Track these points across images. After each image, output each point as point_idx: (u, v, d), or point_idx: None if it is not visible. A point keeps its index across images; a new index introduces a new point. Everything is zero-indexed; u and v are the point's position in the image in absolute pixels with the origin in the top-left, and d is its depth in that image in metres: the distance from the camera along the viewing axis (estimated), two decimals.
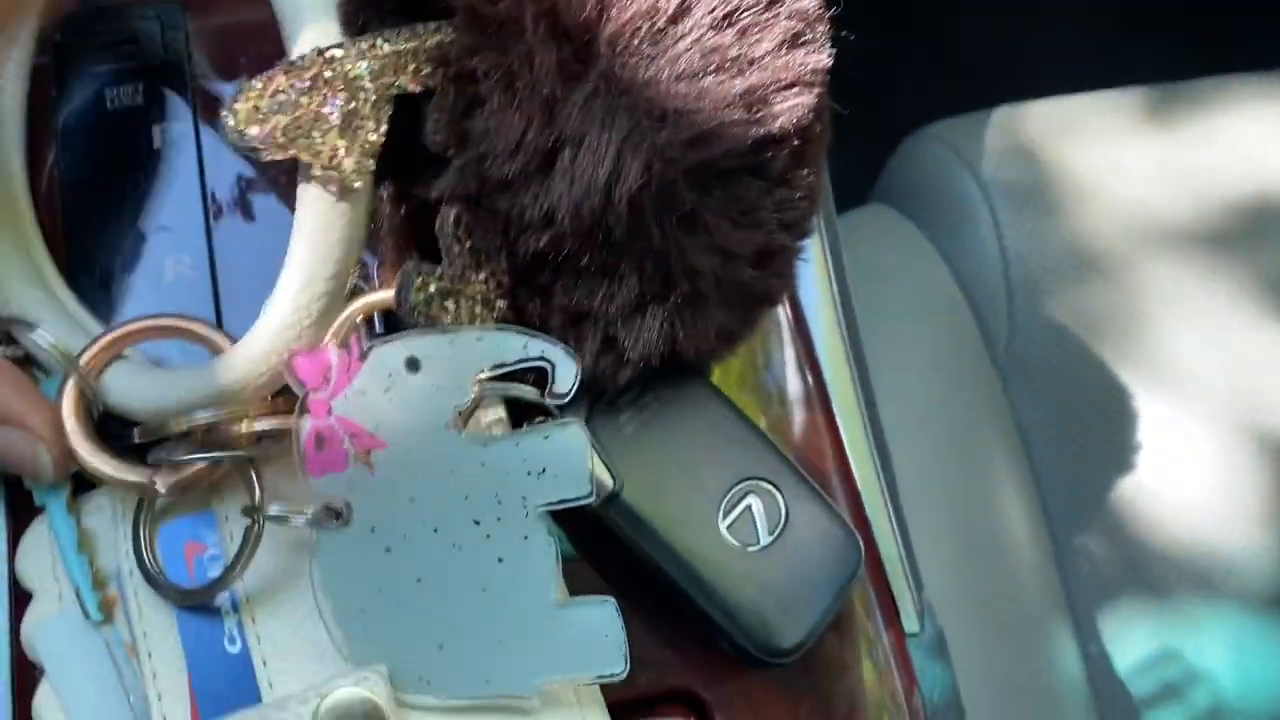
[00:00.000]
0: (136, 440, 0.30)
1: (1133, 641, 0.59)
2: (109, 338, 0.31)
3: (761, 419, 0.37)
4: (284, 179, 0.37)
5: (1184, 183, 0.66)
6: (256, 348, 0.30)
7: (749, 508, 0.32)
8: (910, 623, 0.36)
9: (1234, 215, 0.65)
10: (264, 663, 0.30)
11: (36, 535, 0.31)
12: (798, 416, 0.38)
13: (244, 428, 0.30)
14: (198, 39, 0.39)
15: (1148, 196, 0.65)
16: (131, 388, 0.31)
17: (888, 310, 0.63)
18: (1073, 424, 0.62)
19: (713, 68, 0.28)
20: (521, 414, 0.32)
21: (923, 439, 0.60)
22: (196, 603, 0.30)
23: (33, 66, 0.36)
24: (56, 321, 0.32)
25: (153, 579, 0.30)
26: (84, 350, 0.31)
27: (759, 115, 0.28)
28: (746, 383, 0.38)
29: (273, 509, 0.30)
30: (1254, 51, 0.77)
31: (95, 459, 0.30)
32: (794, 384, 0.38)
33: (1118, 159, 0.66)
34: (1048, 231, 0.64)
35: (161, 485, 0.30)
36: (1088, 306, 0.63)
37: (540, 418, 0.32)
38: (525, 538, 0.30)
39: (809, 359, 0.38)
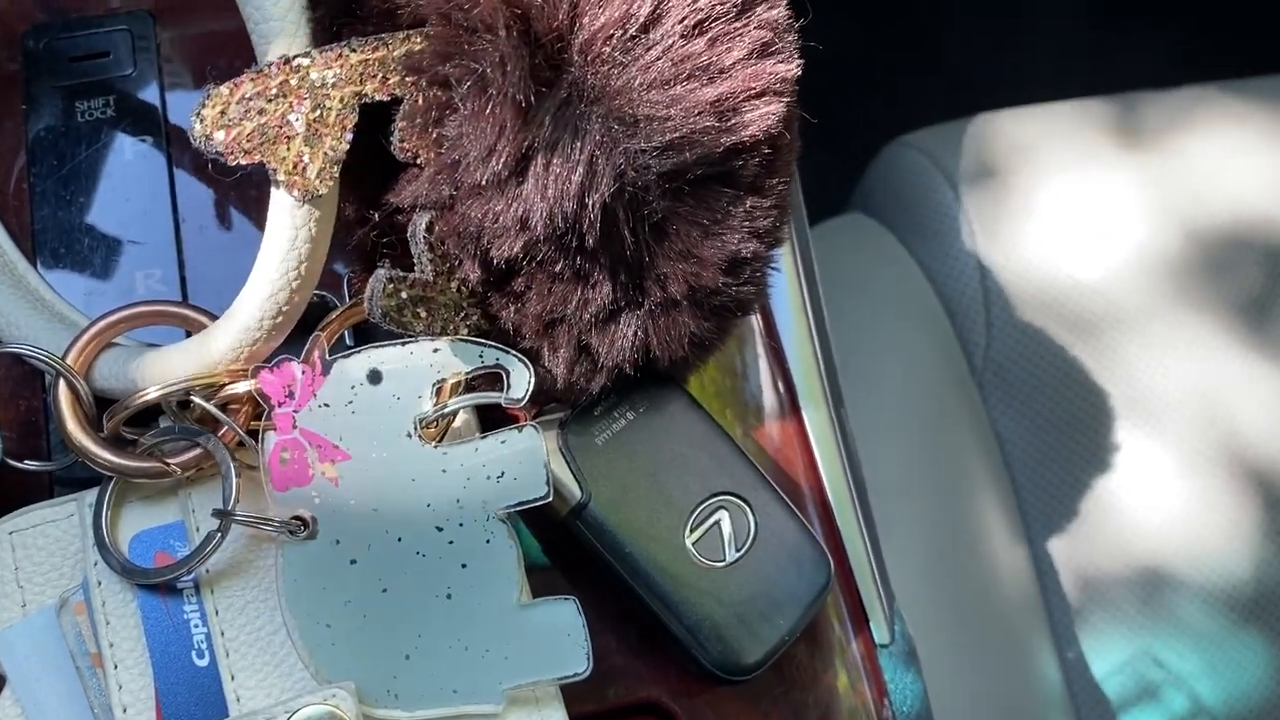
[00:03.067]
0: (106, 423, 0.31)
1: (1110, 646, 0.59)
2: (88, 335, 0.32)
3: (737, 429, 0.37)
4: (254, 192, 0.37)
5: (1157, 194, 0.66)
6: (222, 343, 0.30)
7: (717, 523, 0.32)
8: (880, 633, 0.36)
9: (1203, 232, 0.65)
10: (232, 676, 0.30)
11: None
12: (771, 428, 0.38)
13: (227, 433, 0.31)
14: (169, 49, 0.39)
15: (1121, 208, 0.66)
16: (110, 372, 0.31)
17: (866, 318, 0.64)
18: (1049, 431, 0.62)
19: (684, 76, 0.28)
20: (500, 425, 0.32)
21: (902, 446, 0.60)
22: (155, 582, 0.30)
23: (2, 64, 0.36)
24: (35, 318, 0.33)
25: (113, 561, 0.30)
26: (68, 350, 0.31)
27: (730, 123, 0.28)
28: (723, 393, 0.38)
29: (241, 514, 0.30)
30: (1241, 55, 0.78)
31: (100, 450, 0.31)
32: (767, 395, 0.38)
33: (1093, 169, 0.67)
34: (1024, 240, 0.65)
35: (176, 466, 0.31)
36: (1064, 314, 0.64)
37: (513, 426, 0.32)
38: (487, 541, 0.30)
39: (781, 370, 0.38)
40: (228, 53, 0.39)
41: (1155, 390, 0.62)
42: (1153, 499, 0.61)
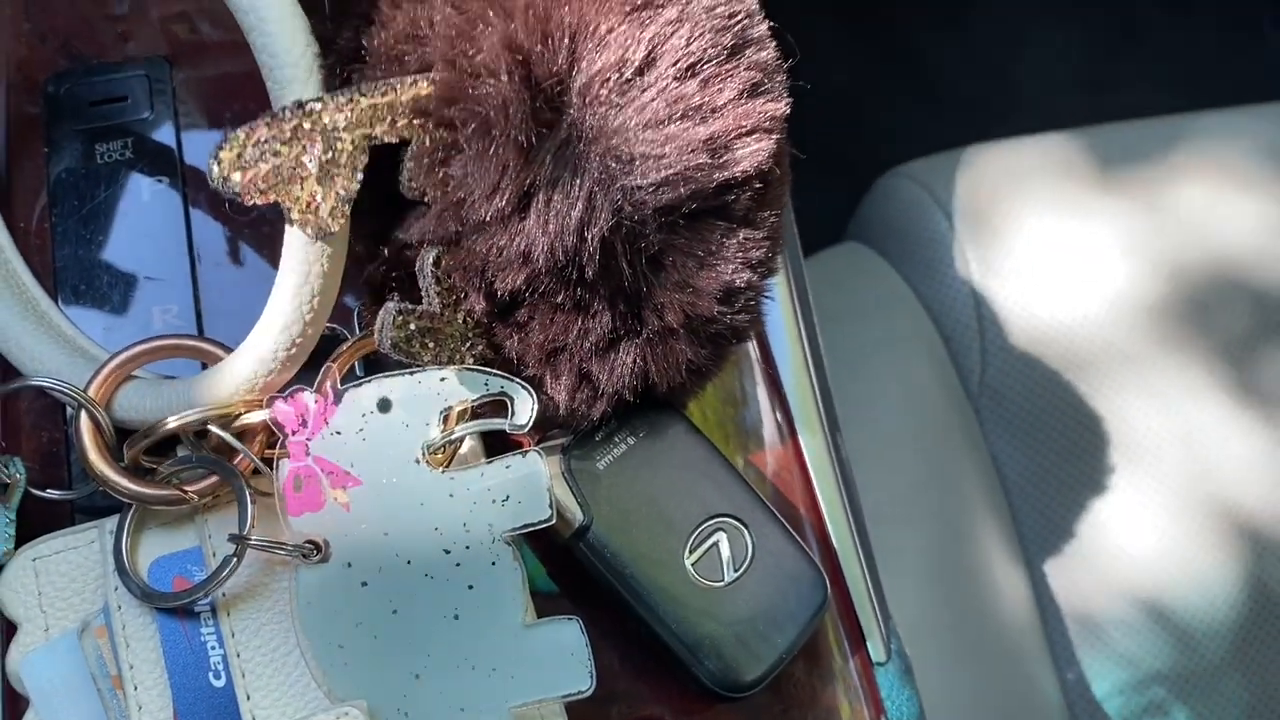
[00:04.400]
0: (125, 452, 0.32)
1: (1110, 667, 0.60)
2: (108, 368, 0.33)
3: (735, 453, 0.38)
4: (266, 229, 0.38)
5: (1148, 225, 0.67)
6: (238, 375, 0.32)
7: (715, 545, 0.33)
8: (877, 651, 0.36)
9: (1191, 267, 0.67)
10: (248, 696, 0.31)
11: (20, 566, 0.32)
12: (768, 452, 0.39)
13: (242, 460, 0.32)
14: (184, 93, 0.41)
15: (1112, 238, 0.67)
16: (130, 404, 0.33)
17: (864, 345, 0.65)
18: (1045, 455, 0.63)
19: (677, 116, 0.29)
20: (505, 450, 0.33)
21: (900, 468, 0.61)
22: (174, 605, 0.31)
23: (21, 106, 0.37)
24: (57, 352, 0.34)
25: (133, 586, 0.31)
26: (89, 383, 0.33)
27: (722, 160, 0.30)
28: (721, 419, 0.39)
29: (255, 539, 0.31)
30: (1238, 86, 0.79)
31: (120, 479, 0.32)
32: (765, 421, 0.39)
33: (1086, 199, 0.68)
34: (1017, 268, 0.66)
35: (193, 493, 0.32)
36: (1057, 342, 0.65)
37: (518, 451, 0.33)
38: (493, 563, 0.31)
39: (777, 395, 0.39)
40: (241, 96, 0.41)
41: (1141, 423, 0.63)
42: (1143, 527, 0.62)
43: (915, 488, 0.61)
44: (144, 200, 0.39)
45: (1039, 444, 0.63)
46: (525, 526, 0.31)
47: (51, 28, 0.41)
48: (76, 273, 0.38)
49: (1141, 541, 0.62)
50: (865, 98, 1.10)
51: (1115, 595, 0.61)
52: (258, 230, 0.38)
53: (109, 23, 0.42)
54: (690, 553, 0.33)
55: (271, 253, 0.38)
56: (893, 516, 0.58)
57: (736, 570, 0.33)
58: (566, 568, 0.34)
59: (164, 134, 0.40)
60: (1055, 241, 0.67)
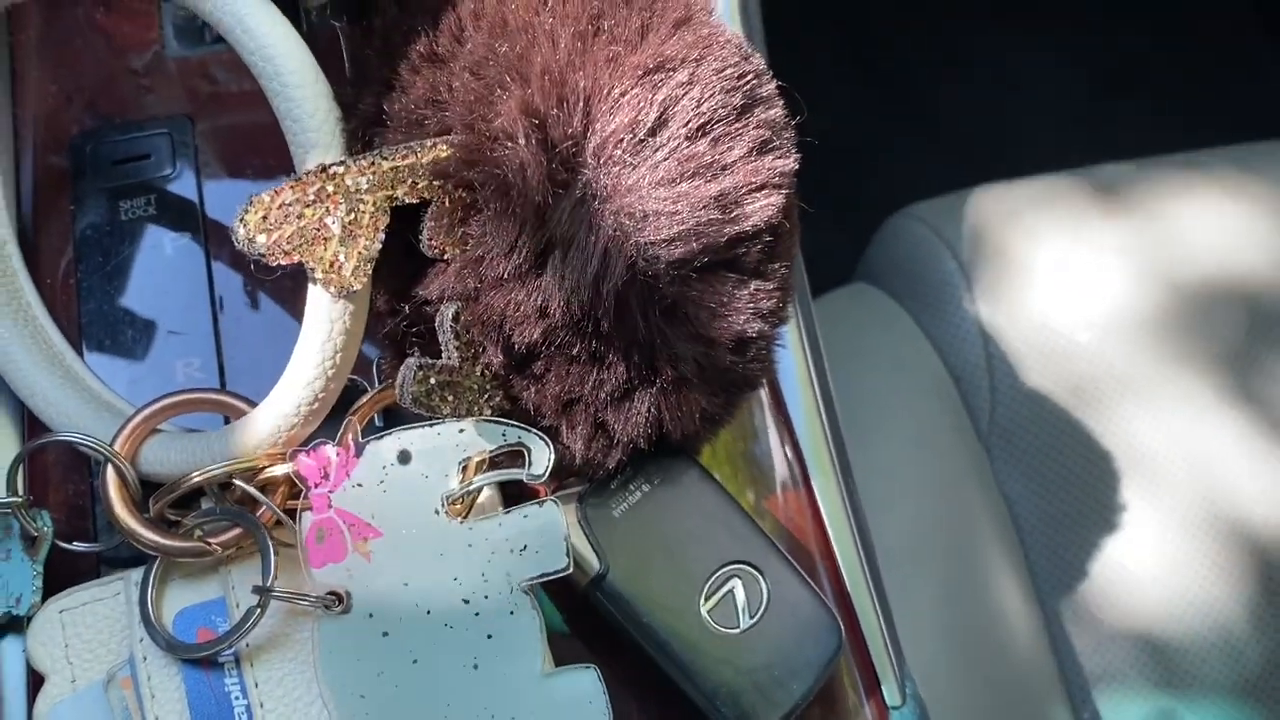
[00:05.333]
0: (151, 506, 0.33)
1: (1126, 707, 0.60)
2: (134, 422, 0.34)
3: (749, 499, 0.39)
4: (288, 283, 0.39)
5: (1153, 261, 0.68)
6: (261, 429, 0.32)
7: (731, 591, 0.34)
8: (892, 695, 0.37)
9: (1195, 298, 0.67)
10: None
11: (47, 618, 0.33)
12: (781, 497, 0.39)
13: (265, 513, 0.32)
14: (206, 150, 0.42)
15: (1116, 275, 0.67)
16: (155, 457, 0.33)
17: (874, 385, 0.65)
18: (1057, 493, 0.63)
19: (689, 174, 0.30)
20: (522, 499, 0.34)
21: (912, 509, 0.61)
22: (198, 657, 0.32)
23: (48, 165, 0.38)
24: (83, 407, 0.35)
25: (158, 637, 0.32)
26: (115, 437, 0.33)
27: (732, 215, 0.31)
28: (735, 463, 0.39)
29: (279, 590, 0.31)
30: (1238, 125, 0.80)
31: (146, 532, 0.33)
32: (777, 465, 0.40)
33: (1089, 237, 0.69)
34: (1024, 306, 0.66)
35: (216, 545, 0.32)
36: (1065, 378, 0.65)
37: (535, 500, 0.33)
38: (511, 612, 0.31)
39: (790, 440, 0.40)
40: (261, 152, 0.42)
41: (1152, 453, 0.64)
42: (1157, 560, 0.62)
43: (928, 530, 0.61)
44: (167, 255, 0.40)
45: (1050, 482, 0.64)
46: (543, 575, 0.32)
47: (77, 88, 0.43)
48: (101, 327, 0.38)
49: (1155, 578, 0.62)
50: (869, 138, 1.11)
51: (1130, 633, 0.61)
52: (279, 284, 0.39)
53: (132, 77, 0.43)
54: (706, 600, 0.34)
55: (293, 305, 0.39)
56: (906, 559, 0.58)
57: (752, 617, 0.34)
58: (583, 615, 0.35)
59: (186, 190, 0.41)
60: (1062, 279, 0.67)
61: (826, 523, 0.39)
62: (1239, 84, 1.19)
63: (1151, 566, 0.62)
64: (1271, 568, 0.62)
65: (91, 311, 0.39)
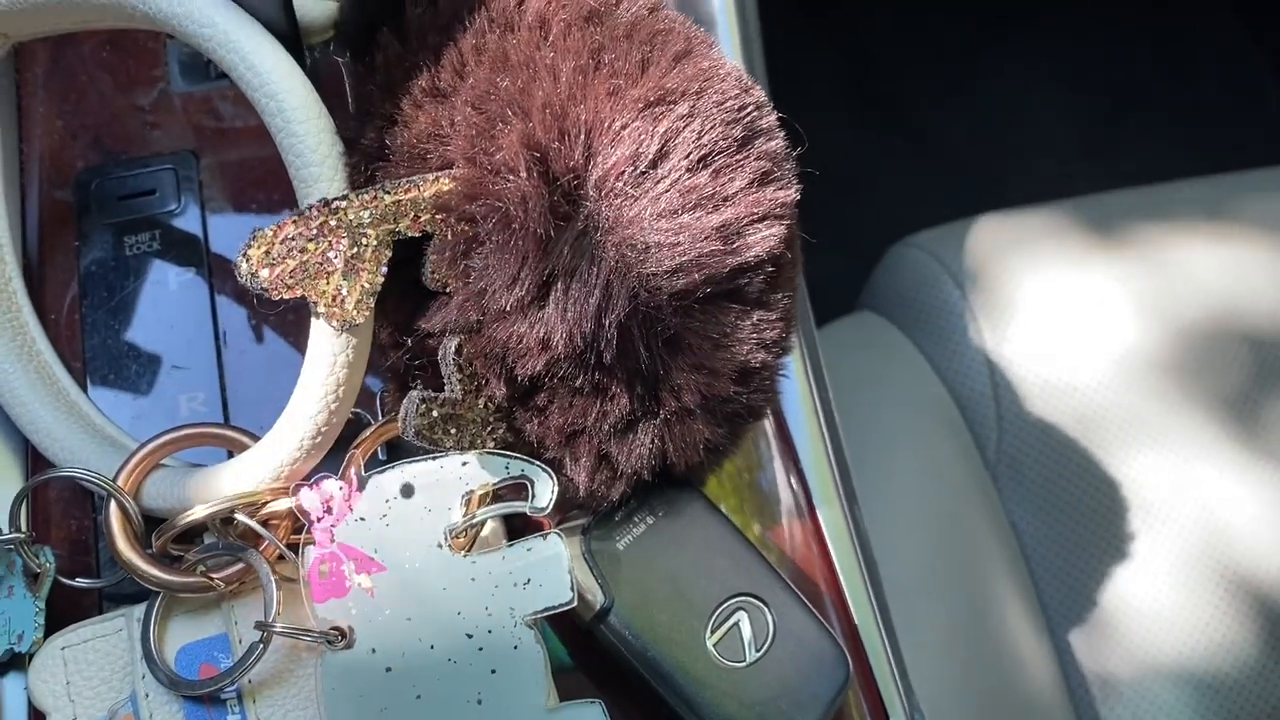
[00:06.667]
0: (154, 541, 0.33)
1: None
2: (137, 458, 0.34)
3: (754, 530, 0.38)
4: (291, 316, 0.39)
5: (1156, 289, 0.68)
6: (264, 463, 0.32)
7: (737, 624, 0.34)
8: None
9: (1197, 330, 0.67)
10: None
11: (49, 655, 0.33)
12: (787, 528, 0.39)
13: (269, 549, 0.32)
14: (210, 185, 0.42)
15: (1121, 303, 0.67)
16: (158, 492, 0.33)
17: (880, 414, 0.65)
18: (1064, 522, 0.63)
19: (690, 205, 0.30)
20: (526, 531, 0.33)
21: (919, 538, 0.61)
22: (201, 693, 0.32)
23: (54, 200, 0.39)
24: (87, 441, 0.35)
25: (160, 674, 0.32)
26: (118, 472, 0.33)
27: (734, 246, 0.31)
28: (740, 493, 0.39)
29: (281, 626, 0.31)
30: (1238, 145, 0.80)
31: (149, 567, 0.32)
32: (783, 496, 0.40)
33: (1092, 264, 0.69)
34: (1029, 334, 0.66)
35: (219, 580, 0.32)
36: (1070, 407, 0.65)
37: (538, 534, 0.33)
38: (515, 647, 0.31)
39: (796, 470, 0.40)
40: (265, 186, 0.42)
41: (1157, 487, 0.63)
42: (1163, 592, 0.61)
43: (935, 559, 0.61)
44: (171, 290, 0.40)
45: (1057, 511, 0.63)
46: (547, 609, 0.32)
47: (83, 124, 0.43)
48: (105, 362, 0.39)
49: (1163, 607, 0.61)
50: (871, 168, 1.12)
51: (1139, 663, 0.60)
52: (283, 317, 0.39)
53: (137, 114, 0.43)
54: (712, 633, 0.33)
55: (296, 339, 0.39)
56: (913, 589, 0.58)
57: (758, 650, 0.33)
58: (588, 648, 0.34)
59: (191, 224, 0.41)
60: (1066, 307, 0.67)
61: (833, 553, 0.38)
62: (1241, 112, 1.19)
63: (1161, 598, 0.61)
64: (1275, 594, 0.62)
65: (96, 346, 0.39)
